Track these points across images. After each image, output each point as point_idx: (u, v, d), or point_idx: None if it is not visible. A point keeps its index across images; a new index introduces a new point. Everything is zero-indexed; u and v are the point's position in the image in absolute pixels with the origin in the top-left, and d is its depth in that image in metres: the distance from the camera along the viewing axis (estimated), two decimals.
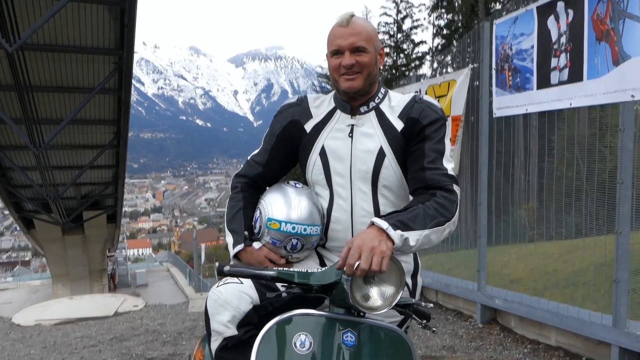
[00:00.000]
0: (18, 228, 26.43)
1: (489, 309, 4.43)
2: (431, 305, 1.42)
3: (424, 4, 24.21)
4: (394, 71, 23.51)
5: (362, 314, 1.32)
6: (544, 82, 3.65)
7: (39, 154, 13.82)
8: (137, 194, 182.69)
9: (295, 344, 1.28)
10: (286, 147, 1.71)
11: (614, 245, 3.06)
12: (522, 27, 3.81)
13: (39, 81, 12.64)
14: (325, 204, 1.65)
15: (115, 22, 10.51)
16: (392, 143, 1.59)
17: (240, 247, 1.62)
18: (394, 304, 1.29)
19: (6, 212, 21.10)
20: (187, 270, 29.10)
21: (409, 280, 1.65)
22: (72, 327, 6.18)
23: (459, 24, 20.79)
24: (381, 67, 1.67)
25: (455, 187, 1.50)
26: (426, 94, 5.30)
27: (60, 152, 16.69)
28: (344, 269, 1.27)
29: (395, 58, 24.15)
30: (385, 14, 24.44)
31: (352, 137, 1.62)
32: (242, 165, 1.80)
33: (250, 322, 1.52)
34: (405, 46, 24.58)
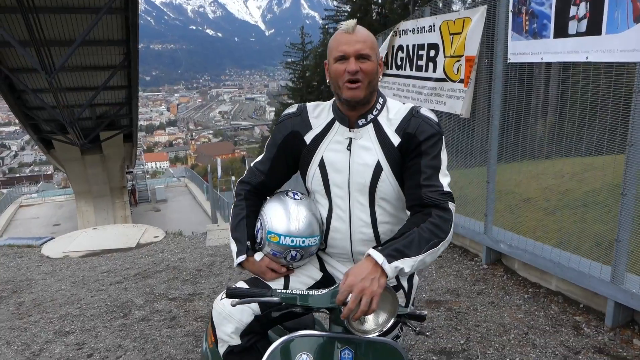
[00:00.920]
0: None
1: (494, 250, 4.57)
2: (425, 313, 1.52)
3: None
4: (409, 7, 22.14)
5: None
6: (561, 30, 3.49)
7: (51, 78, 13.77)
8: (152, 107, 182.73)
9: None
10: (287, 157, 1.75)
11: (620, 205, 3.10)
12: None
13: (43, 2, 12.34)
14: (324, 213, 1.71)
15: None
16: (388, 157, 1.61)
17: (242, 257, 1.71)
18: (385, 328, 1.39)
19: None
20: (204, 185, 29.75)
21: (405, 283, 1.74)
22: (97, 259, 6.54)
23: None
24: (380, 78, 1.64)
25: (450, 205, 1.54)
26: (440, 30, 5.10)
27: (71, 74, 16.61)
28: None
29: None
30: None
31: (350, 150, 1.64)
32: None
33: (252, 331, 1.65)
34: None
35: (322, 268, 1.79)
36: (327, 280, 1.76)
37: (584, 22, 3.27)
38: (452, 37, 4.95)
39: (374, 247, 1.44)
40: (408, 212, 1.60)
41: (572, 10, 3.36)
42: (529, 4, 3.80)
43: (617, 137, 3.17)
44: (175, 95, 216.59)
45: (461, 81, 4.81)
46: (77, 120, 17.92)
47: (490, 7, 4.35)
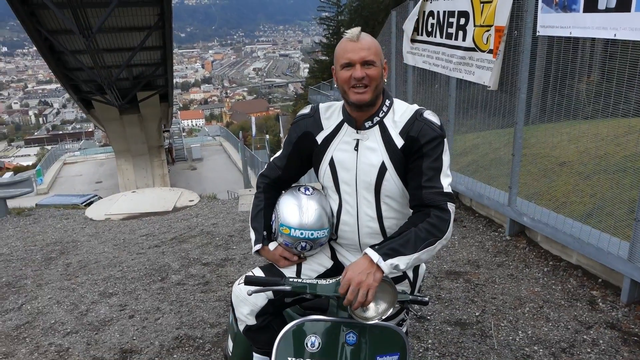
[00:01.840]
0: None
1: (517, 222, 4.63)
2: (427, 298, 1.66)
3: None
4: None
5: None
6: (591, 5, 3.42)
7: (89, 41, 14.07)
8: (187, 65, 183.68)
9: (307, 344, 1.58)
10: (301, 155, 1.89)
11: None
12: None
13: None
14: (335, 206, 1.86)
15: None
16: (393, 158, 1.72)
17: (259, 246, 1.90)
18: (384, 317, 1.55)
19: None
20: (238, 144, 30.19)
21: (410, 274, 1.88)
22: (137, 222, 6.92)
23: None
24: (385, 81, 1.74)
25: (449, 206, 1.65)
26: None
27: (107, 35, 16.89)
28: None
29: None
30: None
31: (357, 150, 1.77)
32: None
33: (266, 312, 1.85)
34: None
35: (334, 257, 1.95)
36: (337, 268, 1.92)
37: None
38: (483, 6, 4.85)
39: (371, 246, 1.59)
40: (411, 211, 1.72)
41: None
42: None
43: None
44: (210, 52, 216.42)
45: (490, 51, 4.76)
46: (115, 81, 18.36)
47: None
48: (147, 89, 22.18)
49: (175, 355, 3.19)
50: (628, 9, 3.07)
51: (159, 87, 22.63)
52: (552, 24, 3.84)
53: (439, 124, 1.71)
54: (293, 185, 1.98)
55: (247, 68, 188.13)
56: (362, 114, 1.74)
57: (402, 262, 1.55)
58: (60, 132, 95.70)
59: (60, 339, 3.54)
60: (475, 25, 4.96)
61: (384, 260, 1.53)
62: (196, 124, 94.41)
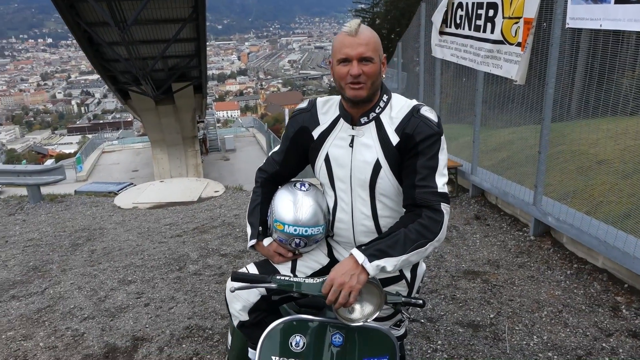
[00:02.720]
0: None
1: (543, 222, 4.47)
2: (421, 301, 1.59)
3: None
4: None
5: None
6: None
7: (124, 34, 14.35)
8: (223, 57, 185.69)
9: (291, 343, 1.54)
10: (298, 149, 1.85)
11: None
12: None
13: None
14: (331, 203, 1.81)
15: None
16: (387, 156, 1.66)
17: (253, 241, 1.87)
18: (370, 320, 1.49)
19: None
20: (270, 136, 30.40)
21: (408, 274, 1.82)
22: (162, 212, 7.03)
23: None
24: (384, 76, 1.67)
25: (443, 207, 1.57)
26: None
27: (142, 27, 17.20)
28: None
29: None
30: None
31: (352, 147, 1.71)
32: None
33: (259, 309, 1.82)
34: None
35: (330, 254, 1.90)
36: (333, 265, 1.86)
37: None
38: None
39: (358, 246, 1.53)
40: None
41: None
42: None
43: None
44: (246, 44, 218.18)
45: (518, 44, 4.59)
46: (150, 72, 18.71)
47: None
48: (181, 80, 22.52)
49: (184, 345, 3.22)
50: None
51: (193, 78, 22.93)
52: (582, 15, 3.66)
53: (436, 120, 1.63)
54: (291, 180, 1.94)
55: (283, 60, 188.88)
56: (358, 110, 1.69)
57: (389, 264, 1.49)
58: (101, 122, 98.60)
59: (77, 323, 3.63)
60: (504, 17, 4.79)
61: (370, 261, 1.47)
62: (231, 115, 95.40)
